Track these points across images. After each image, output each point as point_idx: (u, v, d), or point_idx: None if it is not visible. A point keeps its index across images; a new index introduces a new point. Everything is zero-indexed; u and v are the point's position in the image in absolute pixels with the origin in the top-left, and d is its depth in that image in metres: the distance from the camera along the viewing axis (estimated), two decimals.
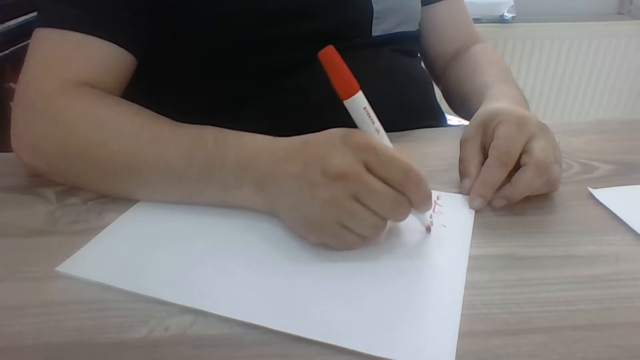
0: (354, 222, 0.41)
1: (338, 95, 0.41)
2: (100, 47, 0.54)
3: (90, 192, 0.51)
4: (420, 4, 0.74)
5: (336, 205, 0.40)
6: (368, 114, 0.42)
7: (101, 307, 0.37)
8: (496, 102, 0.56)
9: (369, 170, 0.40)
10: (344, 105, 0.41)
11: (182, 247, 0.43)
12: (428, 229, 0.46)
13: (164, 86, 0.67)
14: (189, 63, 0.63)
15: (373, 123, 0.42)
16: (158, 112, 0.53)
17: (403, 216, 0.42)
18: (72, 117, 0.50)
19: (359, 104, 0.41)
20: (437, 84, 0.83)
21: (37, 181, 0.53)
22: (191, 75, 0.64)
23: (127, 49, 0.56)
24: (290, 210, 0.43)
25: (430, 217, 0.47)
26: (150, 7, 0.57)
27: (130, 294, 0.38)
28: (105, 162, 0.49)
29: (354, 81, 0.41)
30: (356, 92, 0.41)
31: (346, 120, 0.42)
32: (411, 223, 0.45)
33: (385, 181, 0.40)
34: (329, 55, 0.40)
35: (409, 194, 0.41)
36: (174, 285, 0.39)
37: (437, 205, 0.50)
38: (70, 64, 0.53)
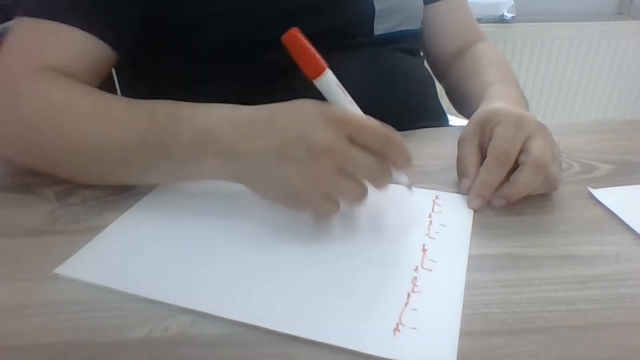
0: (339, 194, 0.43)
1: (307, 76, 0.41)
2: (77, 37, 0.53)
3: (52, 175, 0.51)
4: (422, 3, 0.74)
5: (323, 180, 0.42)
6: (340, 88, 0.43)
7: (101, 307, 0.37)
8: (495, 101, 0.56)
9: (352, 142, 0.41)
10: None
11: (181, 249, 0.43)
12: (409, 187, 0.48)
13: (163, 87, 0.67)
14: (190, 63, 0.63)
15: (346, 95, 0.43)
16: None
17: (386, 181, 0.44)
18: (27, 99, 0.49)
19: (331, 81, 0.42)
20: (439, 83, 0.83)
21: (37, 181, 0.53)
22: (193, 76, 0.64)
23: (106, 42, 0.55)
24: (268, 184, 0.44)
25: (430, 216, 0.48)
26: (145, 5, 0.57)
27: (130, 294, 0.38)
28: (59, 144, 0.48)
29: (321, 60, 0.41)
30: (324, 70, 0.41)
31: None
32: (413, 223, 0.46)
33: (368, 150, 0.42)
34: (293, 38, 0.40)
35: (392, 157, 0.43)
36: (173, 286, 0.39)
37: (436, 205, 0.50)
38: (43, 50, 0.53)
